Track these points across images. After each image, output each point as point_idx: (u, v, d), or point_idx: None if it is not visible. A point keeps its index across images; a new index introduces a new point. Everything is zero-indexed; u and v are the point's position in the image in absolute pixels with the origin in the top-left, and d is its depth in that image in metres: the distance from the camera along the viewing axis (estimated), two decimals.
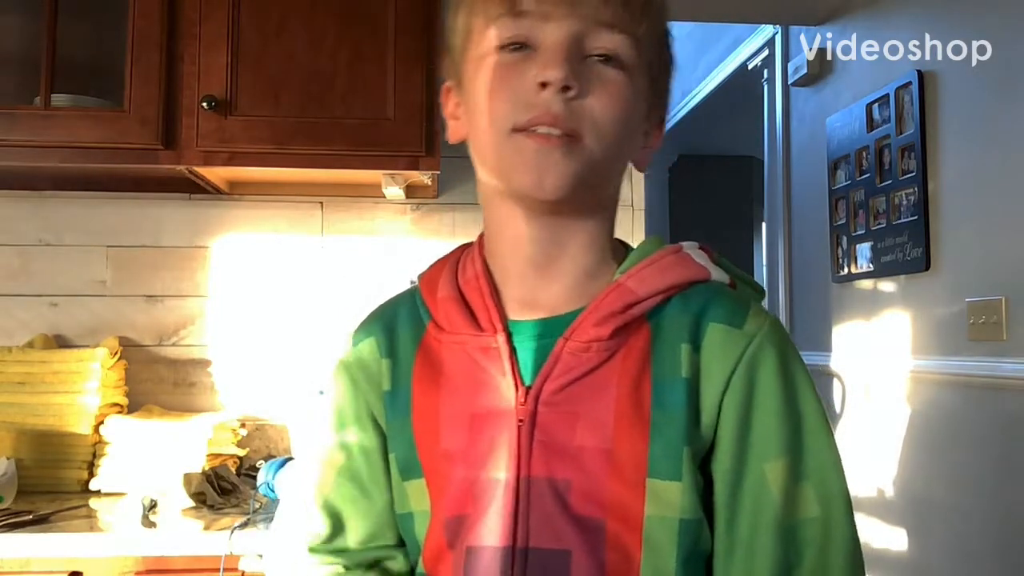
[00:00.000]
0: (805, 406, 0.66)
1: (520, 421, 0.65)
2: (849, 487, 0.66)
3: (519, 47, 0.64)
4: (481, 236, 0.74)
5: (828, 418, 0.67)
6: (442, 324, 0.70)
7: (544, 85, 0.62)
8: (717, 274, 0.70)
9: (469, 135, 0.69)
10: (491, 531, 0.64)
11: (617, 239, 0.74)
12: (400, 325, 0.73)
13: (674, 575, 0.62)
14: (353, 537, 0.72)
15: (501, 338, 0.67)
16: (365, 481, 0.72)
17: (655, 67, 0.68)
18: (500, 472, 0.64)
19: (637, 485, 0.63)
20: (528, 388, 0.65)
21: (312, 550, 0.72)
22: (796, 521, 0.63)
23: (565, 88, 0.62)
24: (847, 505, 0.65)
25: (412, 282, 0.76)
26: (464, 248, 0.75)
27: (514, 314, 0.69)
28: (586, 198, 0.67)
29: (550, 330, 0.67)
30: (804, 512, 0.63)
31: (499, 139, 0.64)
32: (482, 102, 0.65)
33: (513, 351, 0.67)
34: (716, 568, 0.65)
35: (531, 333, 0.68)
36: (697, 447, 0.64)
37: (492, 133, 0.65)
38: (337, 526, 0.72)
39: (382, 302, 0.78)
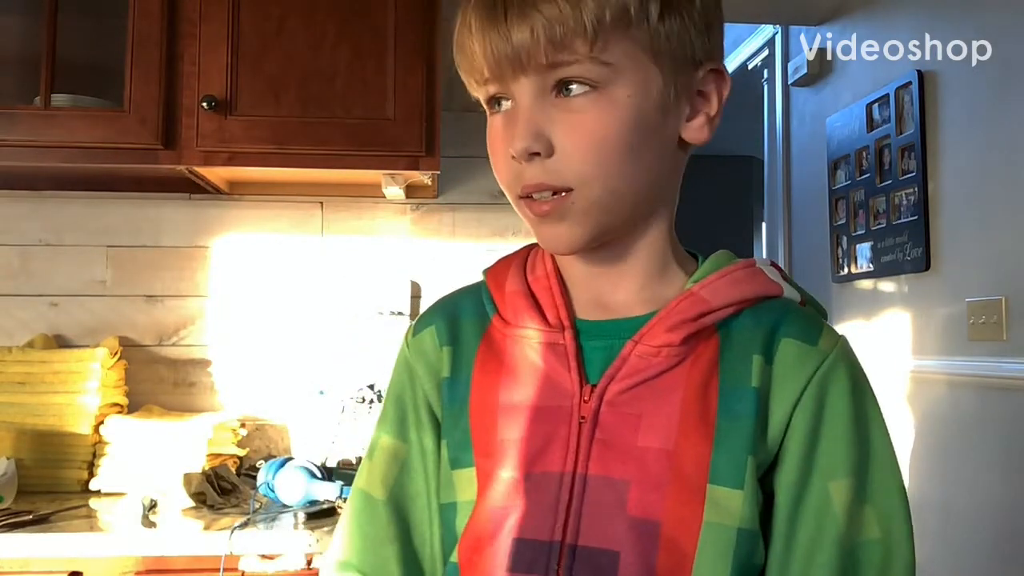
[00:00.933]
0: (873, 429, 0.66)
1: (582, 418, 0.65)
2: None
3: (499, 101, 0.66)
4: None
5: (890, 435, 0.67)
6: (508, 318, 0.70)
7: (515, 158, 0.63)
8: (789, 291, 0.70)
9: None
10: (540, 525, 0.63)
11: (687, 249, 0.74)
12: (464, 315, 0.73)
13: None
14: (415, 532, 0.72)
15: (568, 335, 0.67)
16: (420, 475, 0.72)
17: (669, 40, 0.63)
18: (555, 467, 0.64)
19: (698, 490, 0.62)
20: (593, 387, 0.65)
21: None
22: (857, 542, 0.63)
23: (532, 155, 0.62)
24: (909, 531, 0.65)
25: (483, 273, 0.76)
26: (532, 247, 0.76)
27: (582, 314, 0.70)
28: (618, 226, 0.67)
29: (618, 331, 0.67)
30: (866, 534, 0.63)
31: (513, 202, 0.67)
32: (492, 164, 0.68)
33: (579, 349, 0.67)
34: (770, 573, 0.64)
35: (599, 333, 0.68)
36: (761, 459, 0.64)
37: (508, 195, 0.67)
38: (401, 520, 0.72)
39: (443, 295, 0.78)
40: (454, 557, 0.67)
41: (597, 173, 0.63)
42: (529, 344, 0.68)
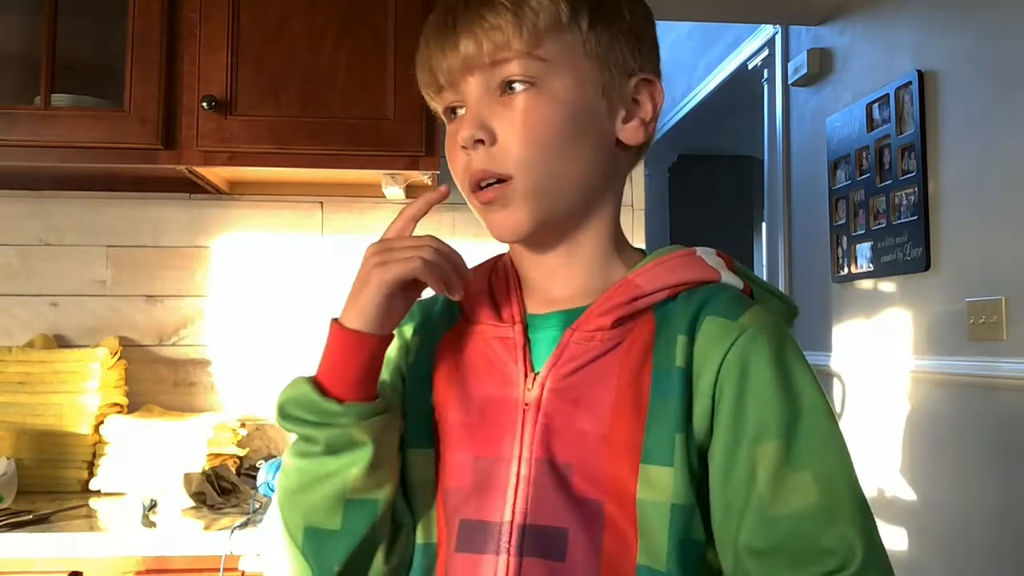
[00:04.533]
0: (803, 393, 0.65)
1: (526, 405, 0.69)
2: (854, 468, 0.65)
3: (454, 111, 0.73)
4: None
5: (829, 403, 0.66)
6: (469, 315, 0.76)
7: (465, 148, 0.70)
8: (728, 278, 0.72)
9: None
10: (488, 507, 0.68)
11: (637, 248, 0.79)
12: (437, 312, 0.80)
13: (666, 560, 0.64)
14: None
15: (517, 329, 0.73)
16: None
17: (600, 46, 0.71)
18: (504, 451, 0.69)
19: (632, 470, 0.65)
20: (536, 375, 0.70)
21: None
22: (790, 509, 0.62)
23: (477, 142, 0.69)
24: (851, 486, 0.63)
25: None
26: (501, 256, 0.82)
27: (534, 310, 0.75)
28: (561, 216, 0.72)
29: (562, 322, 0.72)
30: (799, 499, 0.62)
31: (467, 198, 0.73)
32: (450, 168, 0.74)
33: (528, 342, 0.72)
34: (719, 547, 0.65)
35: (545, 325, 0.73)
36: (696, 436, 0.66)
37: (463, 193, 0.74)
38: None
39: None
40: (421, 538, 0.73)
41: (535, 160, 0.69)
42: (484, 338, 0.74)
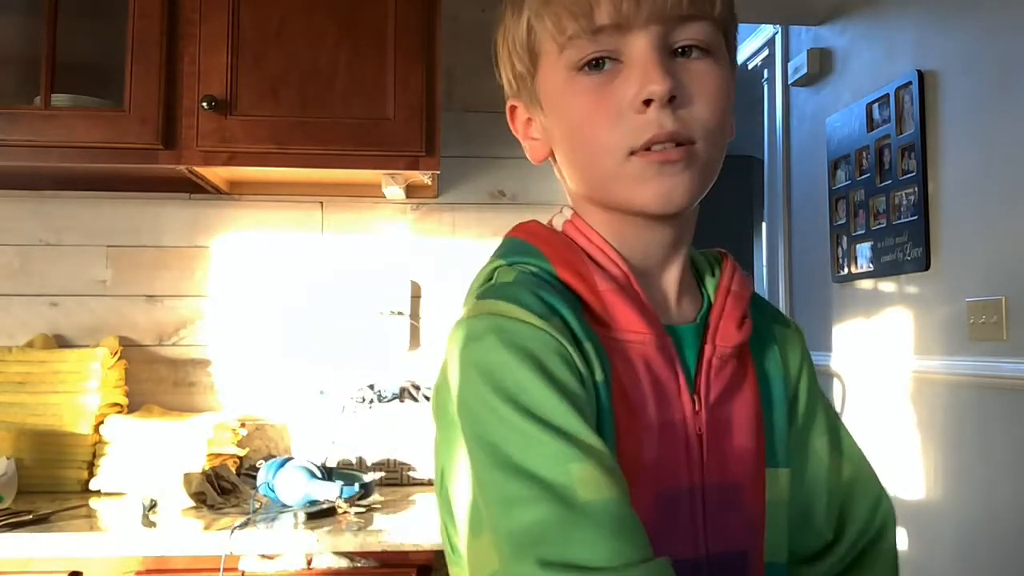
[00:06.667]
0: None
1: (699, 431, 0.63)
2: None
3: (598, 63, 0.61)
4: (573, 228, 0.67)
5: None
6: (611, 321, 0.62)
7: (648, 102, 0.59)
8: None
9: (558, 156, 0.67)
10: (682, 543, 0.62)
11: None
12: (565, 312, 0.61)
13: (783, 554, 0.68)
14: None
15: (668, 340, 0.63)
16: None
17: (731, 32, 0.66)
18: (682, 482, 0.62)
19: (762, 474, 0.67)
20: (692, 395, 0.64)
21: None
22: (839, 483, 0.73)
23: (671, 99, 0.59)
24: (863, 453, 0.76)
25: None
26: (560, 237, 0.67)
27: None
28: (702, 195, 0.65)
29: (690, 333, 0.66)
30: (845, 473, 0.73)
31: (613, 165, 0.61)
32: (578, 129, 0.63)
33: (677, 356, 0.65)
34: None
35: (684, 338, 0.65)
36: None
37: (602, 159, 0.62)
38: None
39: (507, 282, 0.63)
40: None
41: (716, 131, 0.62)
42: (638, 352, 0.62)
